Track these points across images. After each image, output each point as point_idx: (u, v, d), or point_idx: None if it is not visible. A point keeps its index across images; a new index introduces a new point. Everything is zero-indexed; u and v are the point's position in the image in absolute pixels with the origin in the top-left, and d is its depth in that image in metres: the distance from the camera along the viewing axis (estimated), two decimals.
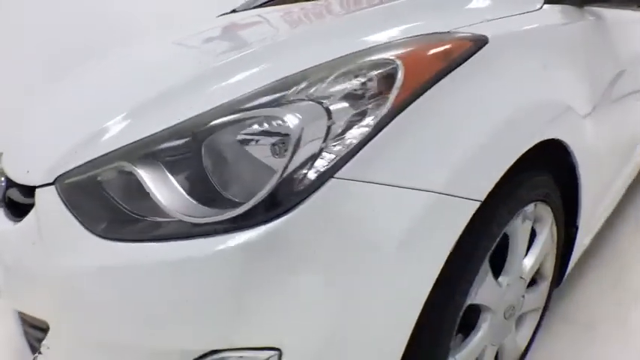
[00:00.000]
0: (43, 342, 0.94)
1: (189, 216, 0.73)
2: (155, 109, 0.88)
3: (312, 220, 0.72)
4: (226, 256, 0.71)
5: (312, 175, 0.72)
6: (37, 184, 0.93)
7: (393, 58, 0.79)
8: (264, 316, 0.72)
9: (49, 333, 0.91)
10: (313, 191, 0.71)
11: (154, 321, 0.75)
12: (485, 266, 0.95)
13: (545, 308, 1.34)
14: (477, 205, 0.83)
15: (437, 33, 0.88)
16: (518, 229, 1.03)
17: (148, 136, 0.81)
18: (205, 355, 0.75)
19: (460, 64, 0.84)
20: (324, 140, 0.73)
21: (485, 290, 0.97)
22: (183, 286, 0.72)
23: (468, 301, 0.93)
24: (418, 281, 0.79)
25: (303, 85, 0.77)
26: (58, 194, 0.87)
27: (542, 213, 1.14)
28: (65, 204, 0.85)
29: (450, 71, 0.82)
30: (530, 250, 1.16)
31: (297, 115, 0.73)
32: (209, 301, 0.72)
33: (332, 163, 0.72)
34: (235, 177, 0.75)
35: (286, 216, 0.70)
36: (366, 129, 0.74)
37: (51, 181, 0.90)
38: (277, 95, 0.77)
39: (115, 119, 0.93)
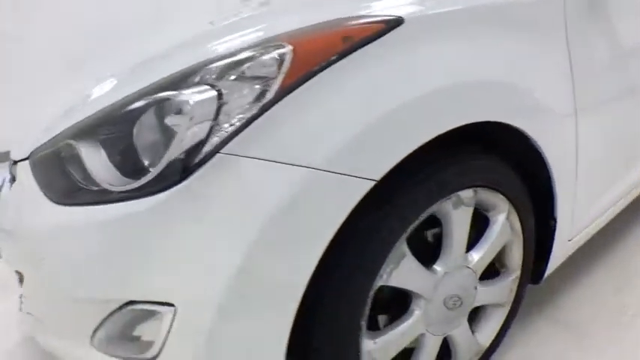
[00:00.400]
0: (21, 292, 1.10)
1: (111, 185, 0.83)
2: (106, 94, 1.00)
3: (200, 190, 0.78)
4: (129, 218, 0.80)
5: (201, 150, 0.78)
6: (17, 159, 1.11)
7: (284, 43, 0.83)
8: (159, 274, 0.80)
9: (24, 284, 1.06)
10: (201, 165, 0.77)
11: (84, 273, 0.86)
12: (401, 249, 0.93)
13: (517, 305, 1.27)
14: (371, 184, 0.83)
15: (345, 17, 0.89)
16: (451, 214, 1.00)
17: (90, 117, 0.93)
18: (124, 305, 0.84)
19: (363, 46, 0.84)
20: (215, 119, 0.79)
21: (405, 274, 0.95)
22: (102, 243, 0.83)
23: (379, 283, 0.92)
24: (299, 254, 0.81)
25: (203, 72, 0.84)
26: (30, 167, 1.02)
27: (492, 200, 1.09)
28: (33, 175, 0.99)
29: (349, 54, 0.83)
30: (481, 240, 1.11)
31: (193, 98, 0.80)
32: (119, 257, 0.82)
33: (219, 141, 0.78)
34: (146, 153, 0.83)
35: (177, 186, 0.78)
36: (253, 110, 0.79)
37: (26, 156, 1.06)
38: (182, 81, 0.85)
39: (79, 102, 1.09)
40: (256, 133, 0.79)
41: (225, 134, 0.78)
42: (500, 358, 1.31)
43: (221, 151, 0.78)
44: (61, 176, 0.92)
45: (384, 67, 0.86)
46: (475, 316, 1.24)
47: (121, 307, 0.84)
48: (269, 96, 0.79)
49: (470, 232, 1.13)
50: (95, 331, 0.88)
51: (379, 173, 0.84)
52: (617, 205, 1.49)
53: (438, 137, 0.91)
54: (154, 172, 0.80)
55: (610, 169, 1.40)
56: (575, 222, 1.31)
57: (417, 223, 0.95)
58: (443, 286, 1.04)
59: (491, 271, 1.22)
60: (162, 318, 0.82)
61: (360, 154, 0.82)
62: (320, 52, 0.82)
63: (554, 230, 1.25)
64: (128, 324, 0.86)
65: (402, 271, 0.95)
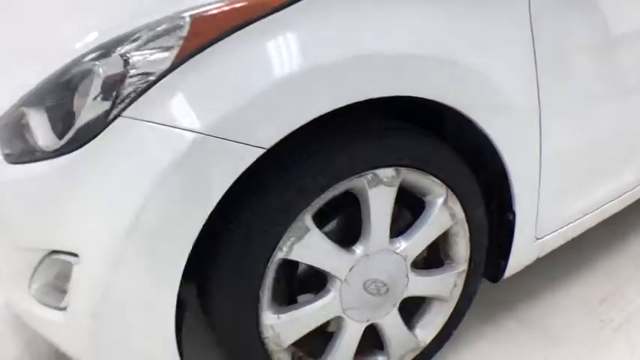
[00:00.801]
0: None
1: (46, 146, 0.88)
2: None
3: (101, 150, 0.82)
4: (46, 175, 0.86)
5: (106, 114, 0.82)
6: None
7: (185, 15, 0.84)
8: (67, 225, 0.85)
9: None
10: (104, 127, 0.81)
11: (17, 224, 0.92)
12: (304, 223, 0.91)
13: (465, 303, 1.20)
14: (260, 152, 0.82)
15: None
16: (367, 193, 0.96)
17: (40, 84, 0.99)
18: (47, 255, 0.89)
19: (266, 16, 0.83)
20: (119, 87, 0.82)
21: (309, 250, 0.93)
22: (28, 196, 0.89)
23: (279, 255, 0.90)
24: (186, 214, 0.81)
25: (115, 44, 0.87)
26: None
27: (424, 184, 1.03)
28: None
29: (251, 23, 0.83)
30: (413, 225, 1.06)
31: (104, 67, 0.85)
32: (38, 209, 0.87)
33: (121, 106, 0.81)
34: (67, 119, 0.88)
35: (83, 147, 0.83)
36: (152, 77, 0.81)
37: None
38: (102, 51, 0.88)
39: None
40: (153, 98, 0.81)
41: (127, 100, 0.81)
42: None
43: (122, 114, 0.81)
44: (19, 140, 0.98)
45: (283, 37, 0.84)
46: (416, 310, 1.19)
47: (44, 257, 0.89)
48: (167, 64, 0.81)
49: (406, 217, 1.10)
50: (30, 280, 0.93)
51: (269, 142, 0.82)
52: (600, 211, 1.37)
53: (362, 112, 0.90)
54: (68, 135, 0.85)
55: (587, 171, 1.29)
56: (542, 220, 1.22)
57: (325, 198, 0.92)
58: (362, 268, 1.00)
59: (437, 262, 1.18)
60: (71, 268, 0.86)
61: (249, 121, 0.81)
62: (218, 24, 0.83)
63: (513, 225, 1.17)
64: (53, 274, 0.91)
65: (304, 245, 0.92)
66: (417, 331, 1.17)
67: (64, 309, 0.88)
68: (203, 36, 0.82)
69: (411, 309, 1.19)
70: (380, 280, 1.04)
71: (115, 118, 0.81)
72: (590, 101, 1.21)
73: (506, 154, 1.08)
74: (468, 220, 1.12)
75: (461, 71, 0.98)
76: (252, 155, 0.82)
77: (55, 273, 0.90)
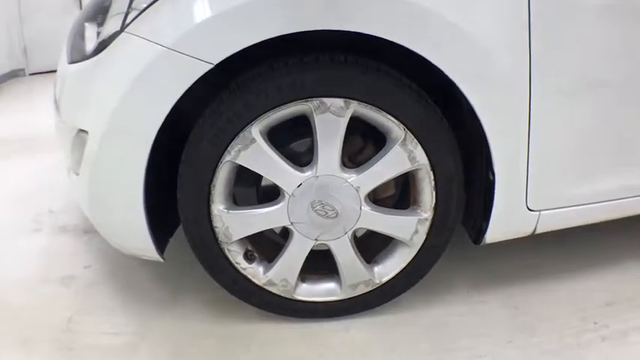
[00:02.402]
0: None
1: (87, 52, 1.19)
2: None
3: (105, 56, 1.10)
4: (75, 72, 1.19)
5: (116, 31, 1.08)
6: None
7: None
8: (83, 109, 1.15)
9: None
10: (113, 40, 1.08)
11: (66, 109, 1.24)
12: (251, 134, 1.05)
13: (428, 254, 1.20)
14: (209, 67, 0.98)
15: None
16: (314, 118, 1.05)
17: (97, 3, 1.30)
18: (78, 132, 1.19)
19: None
20: (128, 9, 1.07)
21: (254, 158, 1.08)
22: (70, 85, 1.22)
23: (227, 158, 1.07)
24: (150, 111, 1.03)
25: None
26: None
27: (380, 121, 1.07)
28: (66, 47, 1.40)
29: None
30: (370, 161, 1.11)
31: None
32: (73, 95, 1.21)
33: (126, 24, 1.07)
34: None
35: (97, 55, 1.12)
36: (149, 1, 1.04)
37: None
38: None
39: None
40: (145, 17, 1.04)
41: (129, 20, 1.06)
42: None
43: (125, 30, 1.06)
44: (79, 47, 1.30)
45: None
46: (381, 248, 1.24)
47: (76, 134, 1.22)
48: None
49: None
50: (70, 154, 1.27)
51: (217, 58, 0.98)
52: (614, 205, 1.21)
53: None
54: (93, 47, 1.15)
55: (591, 153, 1.15)
56: (535, 192, 1.15)
57: (272, 114, 1.05)
58: (309, 188, 1.11)
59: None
60: (85, 142, 1.16)
61: (202, 40, 0.98)
62: None
63: (493, 186, 1.13)
64: (78, 148, 1.19)
65: (250, 154, 1.07)
66: (376, 267, 1.23)
67: (78, 174, 1.20)
68: None
69: (376, 246, 1.25)
70: (328, 203, 1.13)
71: (120, 33, 1.07)
72: (596, 73, 1.09)
73: (482, 112, 1.06)
74: (433, 168, 1.12)
75: (428, 16, 1.00)
76: (202, 69, 0.99)
77: (79, 147, 1.18)
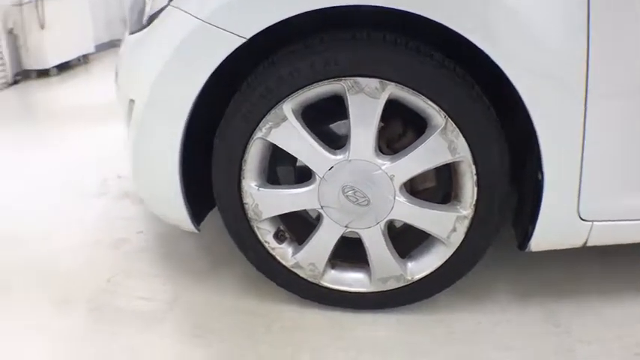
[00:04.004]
0: None
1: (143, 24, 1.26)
2: None
3: (152, 29, 1.14)
4: (130, 43, 1.25)
5: (163, 5, 1.12)
6: None
7: None
8: (131, 80, 1.21)
9: None
10: (160, 12, 1.12)
11: (123, 79, 1.32)
12: (282, 111, 1.03)
13: (467, 254, 1.10)
14: (242, 41, 0.97)
15: None
16: (347, 99, 1.00)
17: None
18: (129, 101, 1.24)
19: None
20: None
21: (285, 137, 1.06)
22: (126, 55, 1.29)
23: (259, 134, 1.06)
24: (187, 82, 1.04)
25: None
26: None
27: (420, 106, 1.00)
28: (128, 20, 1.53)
29: None
30: (407, 148, 1.04)
31: None
32: (127, 68, 1.28)
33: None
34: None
35: (148, 26, 1.16)
36: None
37: None
38: None
39: None
40: None
41: None
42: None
43: (170, 4, 1.09)
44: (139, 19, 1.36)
45: None
46: (417, 244, 1.16)
47: (129, 103, 1.28)
48: None
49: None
50: (127, 123, 1.33)
51: (249, 33, 0.97)
52: None
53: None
54: (145, 19, 1.19)
55: None
56: (589, 200, 1.01)
57: (305, 92, 1.02)
58: (341, 172, 1.06)
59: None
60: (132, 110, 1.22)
61: (235, 13, 0.98)
62: None
63: (541, 187, 1.01)
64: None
65: (281, 132, 1.05)
66: (410, 263, 1.16)
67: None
68: None
69: (414, 241, 1.18)
70: (360, 190, 1.08)
71: (166, 6, 1.10)
72: None
73: (531, 105, 0.95)
74: (475, 161, 1.02)
75: None
76: (235, 42, 0.99)
77: (129, 116, 1.23)
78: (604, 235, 1.06)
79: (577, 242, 1.07)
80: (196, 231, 1.22)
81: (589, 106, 0.94)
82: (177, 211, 1.18)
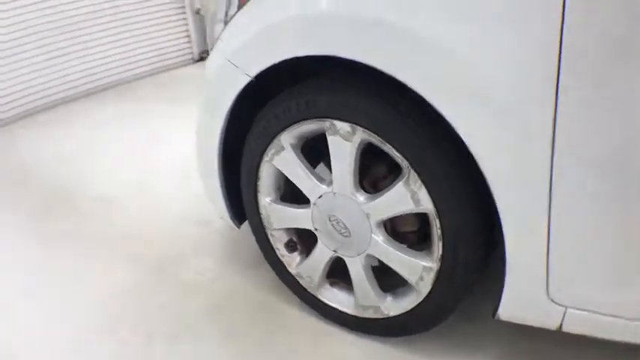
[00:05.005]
0: None
1: None
2: None
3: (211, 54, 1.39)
4: None
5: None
6: None
7: None
8: None
9: None
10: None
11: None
12: (280, 141, 1.17)
13: (431, 306, 1.09)
14: (248, 79, 1.14)
15: None
16: (327, 137, 1.09)
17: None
18: None
19: None
20: (225, 17, 1.33)
21: (284, 163, 1.20)
22: None
23: (266, 159, 1.22)
24: (216, 112, 1.25)
25: None
26: None
27: (389, 152, 1.02)
28: None
29: None
30: (383, 190, 1.08)
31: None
32: None
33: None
34: None
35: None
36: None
37: None
38: None
39: None
40: (224, 31, 1.26)
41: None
42: None
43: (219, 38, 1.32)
44: None
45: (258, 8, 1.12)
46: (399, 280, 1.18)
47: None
48: (235, 9, 1.25)
49: None
50: None
51: (253, 72, 1.13)
52: None
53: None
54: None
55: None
56: (558, 283, 0.90)
57: (297, 128, 1.13)
58: (328, 201, 1.16)
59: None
60: None
61: (245, 54, 1.15)
62: None
63: (504, 256, 0.94)
64: None
65: (281, 159, 1.20)
66: (389, 298, 1.19)
67: None
68: None
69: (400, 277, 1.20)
70: (342, 221, 1.16)
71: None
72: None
73: (488, 167, 0.88)
74: (439, 216, 1.00)
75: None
76: (244, 80, 1.17)
77: None
78: (580, 324, 0.92)
79: (550, 324, 0.96)
80: (236, 227, 1.47)
81: (554, 178, 0.83)
82: (219, 205, 1.43)
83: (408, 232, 1.15)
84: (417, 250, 1.12)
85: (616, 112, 0.76)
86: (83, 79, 3.82)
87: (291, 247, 1.35)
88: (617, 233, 0.83)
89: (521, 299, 0.96)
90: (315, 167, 1.24)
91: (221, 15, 1.34)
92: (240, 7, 1.23)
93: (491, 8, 0.81)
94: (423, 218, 1.12)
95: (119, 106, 3.07)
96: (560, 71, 0.77)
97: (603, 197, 0.81)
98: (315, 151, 1.21)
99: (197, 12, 4.20)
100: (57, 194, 2.13)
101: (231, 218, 1.45)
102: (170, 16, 4.14)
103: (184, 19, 4.18)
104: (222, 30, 1.29)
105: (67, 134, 2.72)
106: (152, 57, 4.03)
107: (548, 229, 0.87)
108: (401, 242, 1.14)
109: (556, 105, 0.79)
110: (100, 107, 3.09)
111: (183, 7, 4.15)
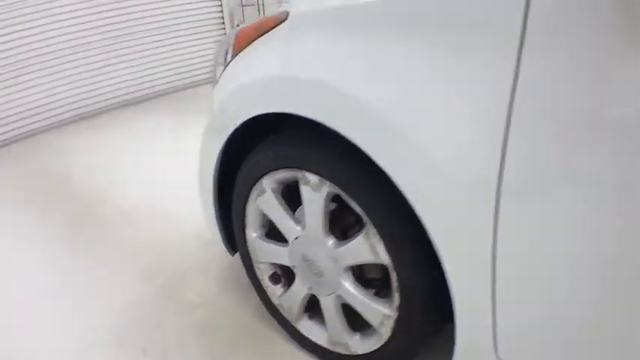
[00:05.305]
0: None
1: None
2: None
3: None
4: None
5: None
6: None
7: (233, 32, 1.33)
8: None
9: None
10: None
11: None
12: (262, 185, 1.26)
13: (391, 354, 1.13)
14: (233, 127, 1.24)
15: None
16: (300, 186, 1.17)
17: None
18: None
19: (268, 31, 1.18)
20: (225, 63, 1.44)
21: (265, 206, 1.29)
22: None
23: (251, 198, 1.32)
24: (210, 159, 1.37)
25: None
26: None
27: (353, 205, 1.08)
28: None
29: (260, 36, 1.21)
30: (349, 239, 1.14)
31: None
32: None
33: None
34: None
35: None
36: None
37: None
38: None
39: None
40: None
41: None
42: None
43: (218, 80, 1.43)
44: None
45: (270, 45, 1.18)
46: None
47: None
48: (230, 58, 1.35)
49: None
50: None
51: (236, 122, 1.23)
52: None
53: None
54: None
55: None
56: (505, 340, 0.93)
57: (276, 175, 1.22)
58: (302, 243, 1.24)
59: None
60: None
61: (230, 105, 1.25)
62: (247, 35, 1.26)
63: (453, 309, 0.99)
64: None
65: (263, 200, 1.29)
66: (357, 337, 1.25)
67: None
68: (242, 42, 1.29)
69: None
70: (314, 263, 1.24)
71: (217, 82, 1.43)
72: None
73: (432, 232, 0.93)
74: (395, 269, 1.06)
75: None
76: (231, 128, 1.26)
77: None
78: None
79: None
80: (230, 254, 1.57)
81: (498, 243, 0.87)
82: (215, 233, 1.54)
83: (373, 278, 1.21)
84: (381, 296, 1.18)
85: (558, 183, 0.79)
86: (121, 91, 4.07)
87: (275, 279, 1.43)
88: (562, 293, 0.85)
89: (471, 356, 1.01)
90: (297, 208, 1.32)
91: (221, 58, 1.45)
92: (233, 55, 1.34)
93: (421, 72, 0.87)
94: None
95: (159, 117, 3.27)
96: (509, 136, 0.80)
97: (544, 260, 0.84)
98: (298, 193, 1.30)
99: (236, 27, 4.37)
100: (84, 204, 2.33)
101: (225, 246, 1.55)
102: (210, 30, 4.34)
103: (223, 33, 4.38)
104: (220, 73, 1.39)
105: (102, 143, 2.94)
106: (194, 69, 4.26)
107: (493, 289, 0.90)
108: (368, 287, 1.20)
109: (501, 168, 0.82)
110: (140, 117, 3.31)
111: (223, 23, 4.34)
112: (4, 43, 3.39)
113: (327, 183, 1.11)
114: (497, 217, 0.84)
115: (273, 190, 1.27)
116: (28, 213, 2.34)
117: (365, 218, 1.07)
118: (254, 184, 1.30)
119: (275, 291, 1.43)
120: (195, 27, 4.17)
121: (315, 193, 1.15)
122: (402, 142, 0.91)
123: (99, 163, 2.80)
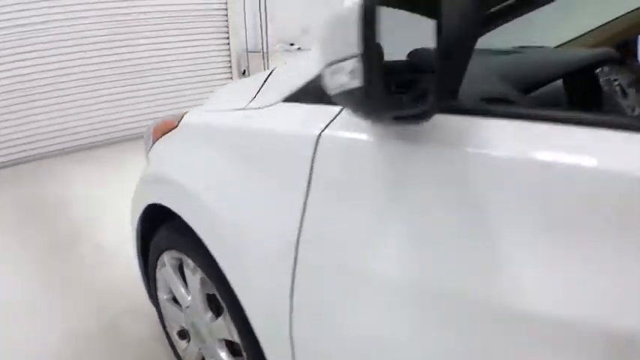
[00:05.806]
0: None
1: None
2: None
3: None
4: None
5: None
6: None
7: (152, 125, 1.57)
8: None
9: None
10: None
11: None
12: (162, 260, 1.48)
13: None
14: (145, 204, 1.48)
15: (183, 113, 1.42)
16: (185, 267, 1.38)
17: None
18: None
19: (168, 132, 1.43)
20: None
21: (165, 276, 1.51)
22: None
23: (158, 267, 1.54)
24: (137, 206, 1.59)
25: None
26: None
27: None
28: None
29: (166, 133, 1.45)
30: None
31: None
32: None
33: None
34: None
35: None
36: None
37: None
38: None
39: None
40: None
41: None
42: None
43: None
44: None
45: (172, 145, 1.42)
46: None
47: None
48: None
49: None
50: None
51: (149, 201, 1.46)
52: None
53: None
54: None
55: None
56: None
57: (169, 253, 1.44)
58: (190, 311, 1.45)
59: None
60: None
61: (142, 187, 1.49)
62: (160, 130, 1.50)
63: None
64: None
65: (164, 271, 1.51)
66: None
67: None
68: (157, 134, 1.52)
69: None
70: (200, 331, 1.44)
71: None
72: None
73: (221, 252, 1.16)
74: (245, 349, 1.25)
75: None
76: (146, 202, 1.50)
77: None
78: None
79: None
80: (152, 306, 1.79)
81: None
82: (141, 281, 1.78)
83: None
84: None
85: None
86: (128, 125, 4.37)
87: (181, 335, 1.65)
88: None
89: None
90: None
91: (148, 141, 1.71)
92: (153, 142, 1.58)
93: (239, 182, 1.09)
94: None
95: None
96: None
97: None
98: None
99: (243, 73, 4.65)
100: (66, 235, 2.62)
101: (149, 297, 1.78)
102: (219, 74, 4.64)
103: (230, 78, 4.67)
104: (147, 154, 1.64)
105: (103, 175, 3.24)
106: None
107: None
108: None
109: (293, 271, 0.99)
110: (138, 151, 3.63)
111: (230, 67, 4.64)
112: (20, 68, 3.69)
113: (199, 269, 1.33)
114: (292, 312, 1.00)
115: (171, 265, 1.49)
116: (12, 234, 2.66)
117: (221, 302, 1.27)
118: (159, 256, 1.53)
119: (181, 345, 1.65)
120: (204, 69, 4.49)
121: (193, 275, 1.36)
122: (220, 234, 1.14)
123: (95, 194, 3.10)
